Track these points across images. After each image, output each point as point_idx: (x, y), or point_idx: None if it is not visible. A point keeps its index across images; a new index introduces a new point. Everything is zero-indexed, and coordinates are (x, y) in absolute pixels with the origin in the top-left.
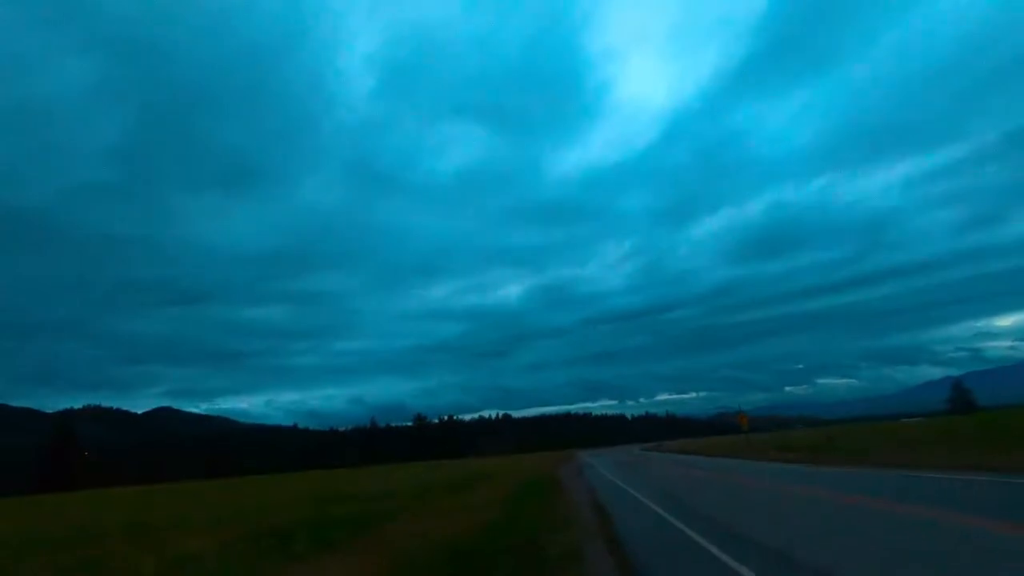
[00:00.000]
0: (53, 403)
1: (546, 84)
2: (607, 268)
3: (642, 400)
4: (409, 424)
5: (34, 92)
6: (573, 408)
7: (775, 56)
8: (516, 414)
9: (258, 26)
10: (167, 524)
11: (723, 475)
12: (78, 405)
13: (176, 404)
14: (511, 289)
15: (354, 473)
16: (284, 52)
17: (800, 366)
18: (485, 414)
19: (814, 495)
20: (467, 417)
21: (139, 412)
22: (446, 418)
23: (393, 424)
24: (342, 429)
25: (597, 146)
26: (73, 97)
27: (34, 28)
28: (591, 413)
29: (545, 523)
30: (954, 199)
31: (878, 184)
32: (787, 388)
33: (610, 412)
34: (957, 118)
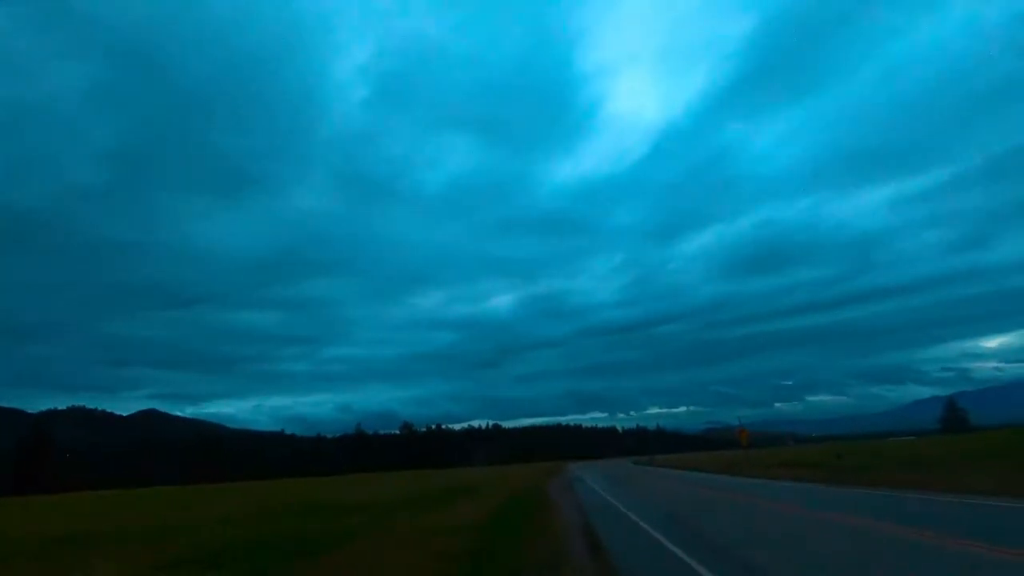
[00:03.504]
0: (38, 404)
1: (538, 98)
2: (598, 281)
3: (632, 413)
4: (396, 432)
5: (29, 95)
6: (563, 419)
7: (762, 77)
8: (506, 424)
9: (253, 36)
10: (101, 538)
11: (731, 494)
12: (62, 406)
13: (163, 407)
14: (502, 300)
15: (334, 482)
16: (278, 61)
17: (790, 383)
18: (475, 424)
19: (857, 525)
20: (456, 427)
21: (124, 414)
22: (434, 427)
23: (381, 432)
24: (330, 436)
25: (588, 160)
26: (67, 101)
27: (30, 32)
28: (581, 425)
29: (525, 558)
30: (940, 221)
31: (865, 205)
32: (777, 404)
33: (600, 424)
34: (942, 142)
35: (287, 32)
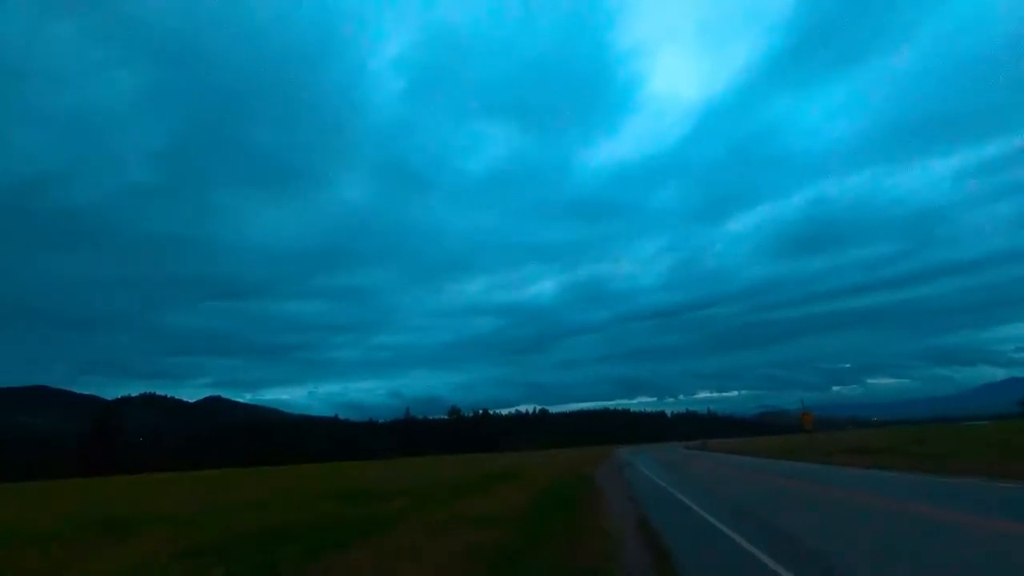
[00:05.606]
0: (112, 391)
1: (576, 81)
2: (642, 264)
3: (682, 397)
4: (444, 417)
5: (87, 100)
6: (611, 404)
7: (810, 48)
8: (553, 409)
9: (294, 34)
10: (132, 523)
11: (807, 484)
12: (134, 393)
13: (225, 394)
14: (545, 285)
15: (382, 466)
16: (318, 58)
17: (848, 365)
18: (521, 408)
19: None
20: (503, 411)
21: (190, 401)
22: (480, 412)
23: (429, 417)
24: (380, 421)
25: (628, 142)
26: (123, 105)
27: (87, 41)
28: (629, 410)
29: (568, 557)
30: (1011, 192)
31: (927, 178)
32: (835, 387)
33: (649, 409)
34: (1007, 107)
35: (324, 28)
